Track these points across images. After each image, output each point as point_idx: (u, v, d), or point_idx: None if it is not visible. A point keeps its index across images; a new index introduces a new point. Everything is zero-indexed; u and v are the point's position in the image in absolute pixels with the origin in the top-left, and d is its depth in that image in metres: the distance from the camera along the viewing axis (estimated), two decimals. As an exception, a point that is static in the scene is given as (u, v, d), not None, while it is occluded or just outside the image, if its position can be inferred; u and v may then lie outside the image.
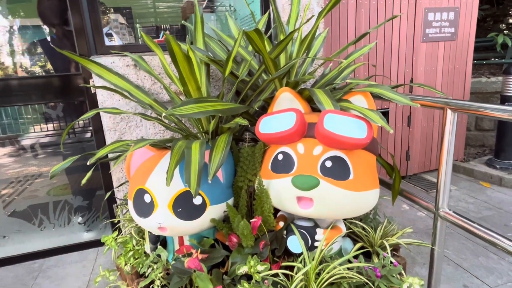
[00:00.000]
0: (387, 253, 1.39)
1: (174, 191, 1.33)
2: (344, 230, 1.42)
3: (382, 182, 1.71)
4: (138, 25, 4.98)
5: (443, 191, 1.38)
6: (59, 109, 2.45)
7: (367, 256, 1.46)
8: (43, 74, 2.59)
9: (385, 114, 3.16)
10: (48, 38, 2.50)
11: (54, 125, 3.34)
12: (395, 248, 1.63)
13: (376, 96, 1.44)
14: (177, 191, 1.33)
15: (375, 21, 2.93)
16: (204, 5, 3.94)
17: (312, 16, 1.98)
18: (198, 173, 1.14)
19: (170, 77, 1.73)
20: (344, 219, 1.53)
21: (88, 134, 2.95)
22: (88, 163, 1.33)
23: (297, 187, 1.21)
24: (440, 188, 1.39)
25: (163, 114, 1.18)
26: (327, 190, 1.21)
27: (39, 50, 2.78)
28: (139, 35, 4.49)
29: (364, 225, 1.57)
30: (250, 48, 1.84)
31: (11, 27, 4.82)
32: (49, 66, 2.56)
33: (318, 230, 1.33)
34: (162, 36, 2.72)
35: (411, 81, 3.19)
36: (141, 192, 1.38)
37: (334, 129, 1.19)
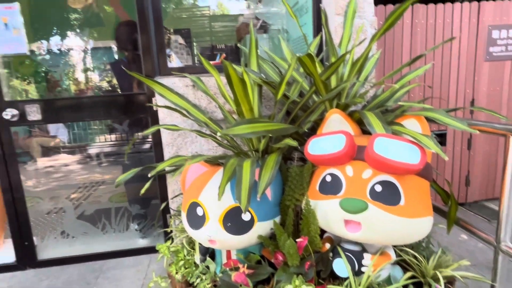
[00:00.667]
0: (440, 285, 1.32)
1: (225, 206, 1.40)
2: (393, 257, 1.38)
3: (437, 210, 1.63)
4: (195, 45, 5.32)
5: (505, 223, 1.29)
6: (124, 123, 2.69)
7: (418, 287, 1.39)
8: (111, 91, 2.88)
9: (443, 136, 3.00)
10: (116, 57, 2.79)
11: (117, 136, 3.67)
12: (450, 281, 1.54)
13: (430, 120, 1.40)
14: (227, 206, 1.40)
15: (432, 41, 2.83)
16: (258, 26, 4.11)
17: (365, 38, 1.99)
18: (249, 190, 1.20)
19: (224, 97, 1.84)
20: (394, 246, 1.48)
21: (146, 146, 3.19)
22: (149, 175, 1.46)
23: (345, 210, 1.21)
24: (502, 219, 1.30)
25: (218, 134, 1.27)
26: (376, 215, 1.19)
27: (108, 69, 3.11)
28: (195, 54, 4.77)
29: (416, 254, 1.50)
30: (301, 69, 1.90)
31: (86, 48, 5.39)
32: (114, 83, 2.85)
33: (365, 255, 1.31)
34: (219, 58, 2.89)
35: (472, 103, 3.00)
36: (194, 205, 1.47)
37: (385, 153, 1.18)
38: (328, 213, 1.31)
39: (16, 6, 1.92)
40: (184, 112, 1.88)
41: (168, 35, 4.90)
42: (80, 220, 2.55)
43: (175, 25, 5.10)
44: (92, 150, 4.86)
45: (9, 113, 1.99)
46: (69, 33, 3.38)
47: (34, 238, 2.26)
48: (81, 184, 4.05)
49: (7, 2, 1.91)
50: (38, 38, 3.13)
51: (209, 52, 4.91)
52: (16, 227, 2.16)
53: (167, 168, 1.98)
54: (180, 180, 1.63)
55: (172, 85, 1.98)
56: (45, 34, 3.23)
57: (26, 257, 2.21)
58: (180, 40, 5.03)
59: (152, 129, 1.85)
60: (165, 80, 1.98)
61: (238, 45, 2.42)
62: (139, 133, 1.68)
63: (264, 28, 4.23)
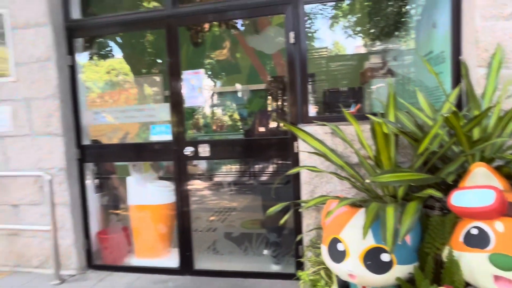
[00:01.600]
0: None
1: (366, 245, 1.57)
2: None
3: None
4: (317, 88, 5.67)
5: None
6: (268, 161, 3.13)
7: None
8: (259, 134, 3.38)
9: None
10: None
11: (254, 169, 4.21)
12: None
13: None
14: (368, 245, 1.56)
15: None
16: (384, 70, 4.23)
17: (514, 90, 1.94)
18: (393, 234, 1.36)
19: (361, 143, 2.04)
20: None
21: (279, 178, 3.59)
22: (299, 210, 1.74)
23: (496, 265, 1.24)
24: None
25: (366, 181, 1.47)
26: (532, 275, 1.19)
27: (255, 113, 3.69)
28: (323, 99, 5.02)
29: None
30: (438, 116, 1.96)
31: (226, 92, 6.32)
32: (261, 126, 3.34)
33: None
34: (354, 107, 3.13)
35: None
36: (335, 241, 1.68)
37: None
38: (474, 266, 1.34)
39: (201, 71, 2.59)
40: (323, 156, 2.15)
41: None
42: (227, 240, 3.02)
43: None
44: (228, 179, 5.60)
45: (188, 150, 2.62)
46: (215, 80, 4.10)
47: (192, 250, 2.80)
48: (217, 208, 4.72)
49: (195, 69, 2.60)
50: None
51: (334, 96, 5.12)
52: (182, 239, 2.73)
53: (303, 204, 2.26)
54: (322, 216, 1.88)
55: (313, 132, 2.29)
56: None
57: (186, 265, 2.75)
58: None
59: (297, 169, 2.18)
60: (307, 128, 2.31)
61: (377, 99, 2.60)
62: (286, 174, 2.02)
63: (390, 72, 4.31)
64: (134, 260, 2.92)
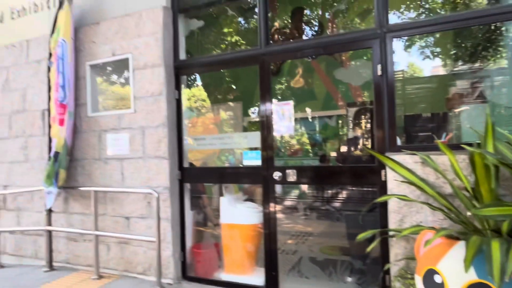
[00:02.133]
0: None
1: (467, 279, 1.54)
2: None
3: None
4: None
5: None
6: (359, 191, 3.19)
7: None
8: (345, 162, 3.47)
9: None
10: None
11: (337, 194, 4.25)
12: None
13: None
14: (470, 280, 1.54)
15: None
16: (475, 95, 4.02)
17: None
18: (501, 269, 1.34)
19: (457, 174, 2.01)
20: None
21: (362, 204, 3.57)
22: (394, 238, 1.79)
23: None
24: None
25: (468, 213, 1.48)
26: None
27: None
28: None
29: None
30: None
31: (302, 118, 6.48)
32: (347, 153, 3.43)
33: None
34: (445, 137, 3.06)
35: None
36: (431, 272, 1.68)
37: None
38: None
39: (291, 103, 2.83)
40: (414, 185, 2.16)
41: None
42: (310, 263, 3.11)
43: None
44: (306, 203, 5.68)
45: (277, 175, 2.83)
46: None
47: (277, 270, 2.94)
48: (294, 231, 4.82)
49: (285, 100, 2.85)
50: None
51: (414, 122, 4.96)
52: (268, 258, 2.90)
53: (392, 233, 2.27)
54: (415, 246, 1.88)
55: (402, 161, 2.32)
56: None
57: (272, 284, 2.89)
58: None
59: (386, 198, 2.22)
60: (396, 156, 2.35)
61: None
62: (374, 202, 2.07)
63: (482, 96, 4.08)
64: (223, 275, 3.16)
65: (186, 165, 3.37)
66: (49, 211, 3.57)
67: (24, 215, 3.99)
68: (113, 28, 3.43)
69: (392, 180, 2.36)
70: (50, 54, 3.50)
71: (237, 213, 3.14)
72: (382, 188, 2.49)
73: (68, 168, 3.52)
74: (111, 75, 3.59)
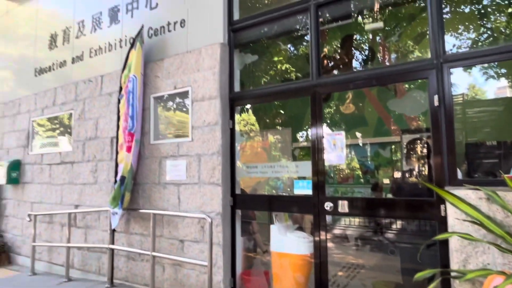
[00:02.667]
0: None
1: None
2: None
3: None
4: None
5: None
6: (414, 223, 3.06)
7: None
8: (398, 195, 3.35)
9: None
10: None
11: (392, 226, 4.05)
12: None
13: None
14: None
15: None
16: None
17: None
18: None
19: (528, 214, 1.86)
20: None
21: (417, 239, 3.37)
22: (457, 281, 1.68)
23: None
24: None
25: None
26: None
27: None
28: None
29: None
30: None
31: (352, 145, 6.36)
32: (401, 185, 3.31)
33: None
34: None
35: None
36: (502, 321, 1.55)
37: None
38: None
39: (343, 133, 2.85)
40: (479, 224, 2.03)
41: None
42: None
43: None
44: (356, 234, 5.48)
45: (328, 205, 2.82)
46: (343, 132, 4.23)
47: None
48: (344, 263, 4.64)
49: (334, 126, 2.86)
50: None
51: (476, 150, 4.57)
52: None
53: (454, 273, 2.13)
54: (482, 290, 1.75)
55: (465, 196, 2.19)
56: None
57: (323, 318, 2.82)
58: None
59: (447, 236, 2.11)
60: (456, 191, 2.23)
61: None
62: (433, 240, 1.96)
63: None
64: (273, 305, 3.16)
65: (238, 191, 3.48)
66: (113, 230, 3.87)
67: (91, 233, 4.36)
68: (175, 64, 3.76)
69: (453, 216, 2.24)
70: (121, 88, 3.91)
71: (288, 242, 3.14)
72: (442, 223, 2.37)
73: (132, 191, 3.82)
74: (172, 106, 3.90)
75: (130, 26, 4.20)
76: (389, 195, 4.96)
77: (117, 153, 3.89)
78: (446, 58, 2.47)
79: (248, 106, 6.81)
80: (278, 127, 7.05)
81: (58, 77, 5.08)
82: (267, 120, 6.91)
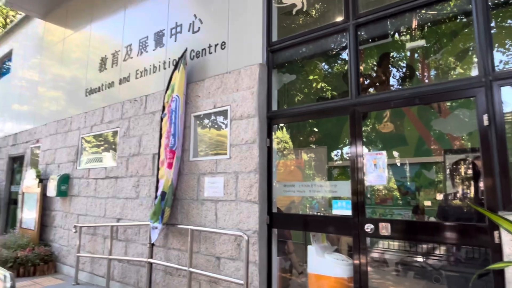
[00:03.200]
0: None
1: None
2: None
3: None
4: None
5: None
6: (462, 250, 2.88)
7: None
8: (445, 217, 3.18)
9: None
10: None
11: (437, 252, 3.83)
12: None
13: None
14: None
15: None
16: None
17: None
18: None
19: None
20: None
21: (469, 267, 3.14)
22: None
23: None
24: None
25: None
26: None
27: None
28: None
29: None
30: None
31: (391, 164, 6.13)
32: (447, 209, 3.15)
33: None
34: None
35: None
36: None
37: None
38: None
39: (384, 153, 2.78)
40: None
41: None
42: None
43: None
44: (398, 258, 5.21)
45: (369, 227, 2.73)
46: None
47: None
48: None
49: (377, 150, 2.79)
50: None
51: None
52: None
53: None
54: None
55: (521, 222, 2.04)
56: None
57: None
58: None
59: (502, 265, 1.96)
60: (511, 217, 2.08)
61: None
62: (484, 270, 1.83)
63: None
64: (309, 328, 3.06)
65: (274, 210, 3.47)
66: (152, 244, 3.99)
67: (131, 246, 4.51)
68: (215, 84, 3.90)
69: (510, 244, 2.08)
70: (163, 107, 4.11)
71: (325, 264, 3.06)
72: (496, 251, 2.20)
73: (171, 207, 3.94)
74: (211, 125, 4.02)
75: (174, 49, 4.44)
76: (432, 218, 4.71)
77: (158, 169, 4.04)
78: (496, 75, 2.37)
79: (282, 124, 6.86)
80: (312, 145, 6.99)
81: (106, 97, 5.44)
82: (301, 138, 6.88)
